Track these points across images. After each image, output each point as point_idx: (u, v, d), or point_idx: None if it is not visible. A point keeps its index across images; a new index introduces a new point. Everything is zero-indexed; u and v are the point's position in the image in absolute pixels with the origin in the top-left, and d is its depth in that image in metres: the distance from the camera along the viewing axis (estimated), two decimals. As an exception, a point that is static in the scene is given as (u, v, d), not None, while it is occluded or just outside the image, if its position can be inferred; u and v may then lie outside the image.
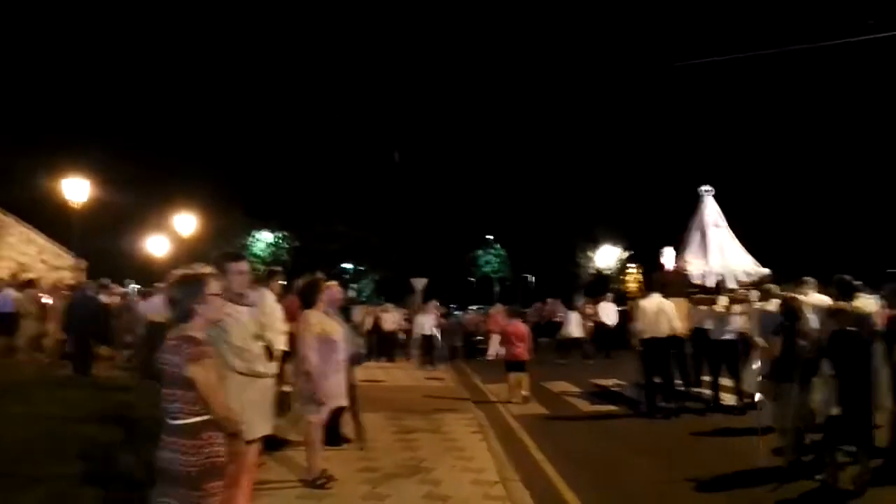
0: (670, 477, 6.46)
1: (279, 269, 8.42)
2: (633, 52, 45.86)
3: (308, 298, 5.92)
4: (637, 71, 44.16)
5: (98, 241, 28.32)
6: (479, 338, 23.24)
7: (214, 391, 3.20)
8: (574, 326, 19.69)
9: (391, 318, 20.22)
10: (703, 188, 12.70)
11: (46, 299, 15.34)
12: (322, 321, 5.79)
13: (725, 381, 10.27)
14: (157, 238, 29.27)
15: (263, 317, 8.03)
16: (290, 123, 41.30)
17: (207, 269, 3.48)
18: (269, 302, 8.22)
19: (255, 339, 4.31)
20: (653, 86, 42.88)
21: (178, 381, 3.15)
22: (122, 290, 17.86)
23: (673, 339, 10.16)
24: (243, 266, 4.44)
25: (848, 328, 5.93)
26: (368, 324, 20.52)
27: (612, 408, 10.73)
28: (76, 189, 19.62)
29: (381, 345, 20.14)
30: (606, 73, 46.50)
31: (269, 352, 4.48)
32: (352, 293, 39.84)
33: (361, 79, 48.07)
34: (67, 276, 21.63)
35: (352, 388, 7.39)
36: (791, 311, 6.76)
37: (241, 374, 4.22)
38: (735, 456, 6.96)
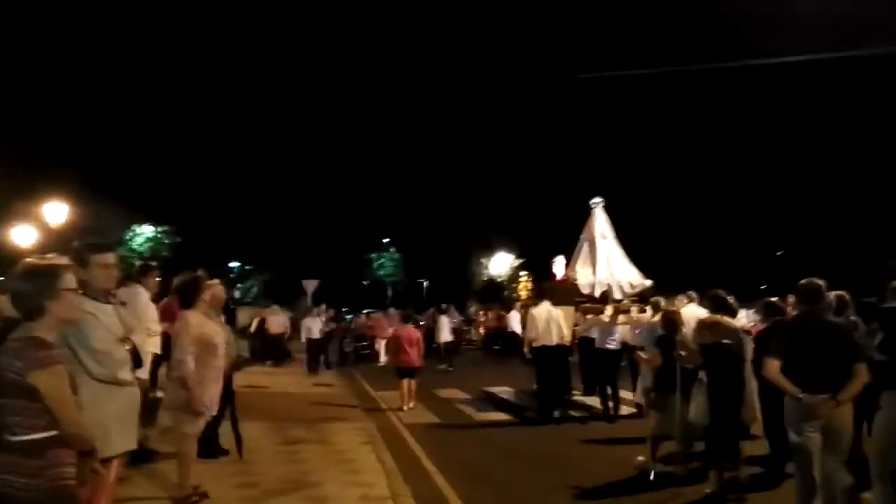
0: (562, 485, 6.38)
1: (154, 264, 7.74)
2: (531, 61, 46.87)
3: (187, 298, 5.37)
4: (534, 81, 45.22)
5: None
6: (364, 343, 22.94)
7: (63, 403, 2.70)
8: (446, 332, 19.69)
9: (277, 321, 19.45)
10: (594, 200, 12.99)
11: None
12: (202, 323, 5.26)
13: (626, 393, 10.37)
14: (23, 228, 26.89)
15: (135, 316, 7.44)
16: (177, 113, 39.10)
17: (63, 260, 2.97)
18: (143, 300, 7.56)
19: (119, 342, 3.76)
20: (550, 97, 43.94)
21: (18, 390, 2.65)
22: None
23: (561, 347, 10.29)
24: (109, 258, 3.90)
25: (722, 341, 6.00)
26: (254, 326, 19.70)
27: (502, 416, 10.71)
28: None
29: (267, 348, 19.35)
30: (504, 81, 47.28)
31: (136, 356, 3.93)
32: (237, 294, 38.37)
33: (255, 69, 46.32)
34: None
35: (231, 396, 6.88)
36: (671, 323, 6.90)
37: (100, 381, 3.66)
38: (623, 464, 6.95)
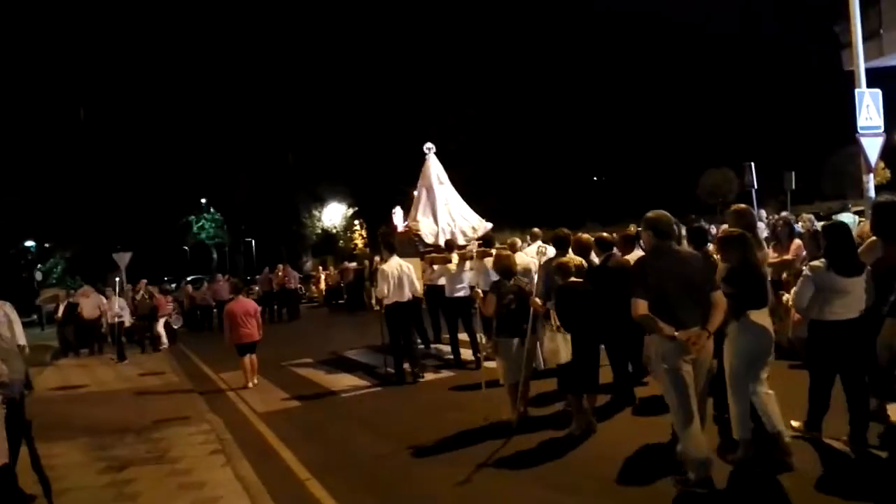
0: (448, 460, 5.64)
1: None
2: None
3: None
4: (364, 22, 42.99)
5: None
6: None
7: None
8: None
9: (90, 304, 16.76)
10: (427, 146, 12.51)
11: None
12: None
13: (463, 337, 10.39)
14: None
15: None
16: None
17: None
18: None
19: None
20: (374, 35, 42.02)
21: None
22: None
23: (413, 302, 9.90)
24: None
25: (571, 281, 6.07)
26: (61, 312, 16.95)
27: (360, 382, 9.82)
28: None
29: (81, 336, 16.77)
30: (323, 25, 44.45)
31: None
32: (39, 276, 33.54)
33: (34, 21, 39.99)
34: None
35: (26, 427, 5.21)
36: (504, 268, 6.78)
37: None
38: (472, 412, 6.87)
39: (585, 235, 7.71)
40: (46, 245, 37.96)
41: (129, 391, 10.62)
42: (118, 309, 15.33)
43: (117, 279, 16.92)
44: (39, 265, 36.63)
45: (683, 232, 7.07)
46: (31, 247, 37.63)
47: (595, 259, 7.24)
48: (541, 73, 42.81)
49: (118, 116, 40.80)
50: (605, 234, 7.66)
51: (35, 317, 26.76)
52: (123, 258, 21.00)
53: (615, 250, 7.26)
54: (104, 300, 16.60)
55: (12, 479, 5.09)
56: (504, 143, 40.00)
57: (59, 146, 35.52)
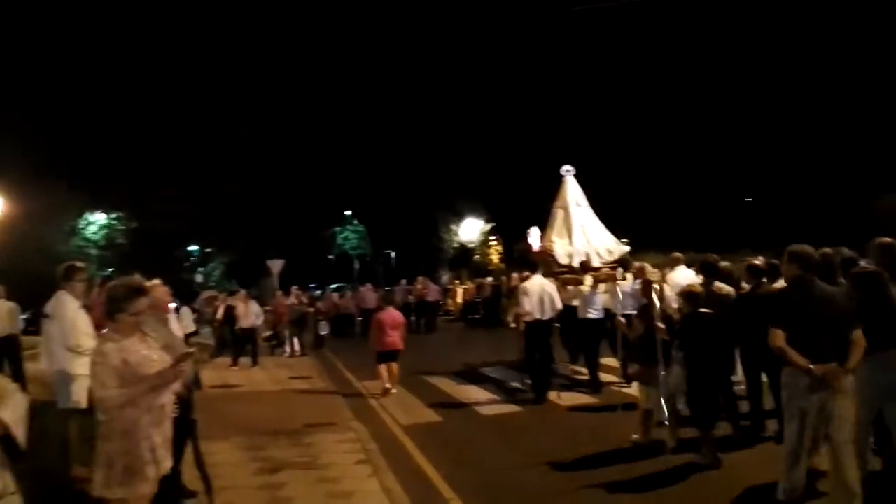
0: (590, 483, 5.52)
1: (79, 264, 6.20)
2: (498, 20, 44.84)
3: (110, 314, 3.86)
4: (504, 42, 43.36)
5: None
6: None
7: None
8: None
9: (248, 312, 17.50)
10: (565, 168, 12.69)
11: None
12: (124, 349, 3.72)
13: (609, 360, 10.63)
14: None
15: (61, 329, 5.92)
16: (124, 88, 36.57)
17: None
18: (70, 310, 6.05)
19: None
20: (518, 60, 42.18)
21: None
22: None
23: (551, 321, 10.03)
24: None
25: (700, 311, 6.03)
26: (220, 314, 18.01)
27: (497, 398, 9.95)
28: None
29: (238, 340, 17.71)
30: (471, 42, 45.25)
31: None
32: (199, 278, 36.37)
33: (201, 42, 43.71)
34: None
35: (191, 426, 5.46)
36: (647, 291, 6.87)
37: None
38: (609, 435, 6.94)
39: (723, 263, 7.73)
40: (208, 250, 41.01)
41: (279, 393, 11.09)
42: (254, 314, 15.95)
43: (271, 285, 17.82)
44: (201, 268, 39.68)
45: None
46: (195, 251, 40.80)
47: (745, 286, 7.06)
48: (687, 85, 41.02)
49: (274, 133, 43.43)
50: (756, 260, 7.33)
51: (195, 316, 28.77)
52: (276, 265, 22.18)
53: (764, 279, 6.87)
54: (256, 306, 17.38)
55: (177, 476, 5.35)
56: (647, 161, 38.68)
57: (222, 160, 38.30)
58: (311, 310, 19.16)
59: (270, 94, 44.19)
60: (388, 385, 10.49)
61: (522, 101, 40.78)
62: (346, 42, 51.63)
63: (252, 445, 7.19)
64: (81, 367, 5.71)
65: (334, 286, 36.02)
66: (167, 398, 3.90)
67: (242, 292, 19.64)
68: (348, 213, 52.49)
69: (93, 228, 37.29)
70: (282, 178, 42.76)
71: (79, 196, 34.16)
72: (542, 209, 13.63)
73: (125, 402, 3.60)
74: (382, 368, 10.55)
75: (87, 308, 6.33)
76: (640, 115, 39.59)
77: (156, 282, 5.37)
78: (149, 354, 3.85)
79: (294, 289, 18.95)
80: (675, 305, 7.01)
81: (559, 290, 10.93)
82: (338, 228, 52.47)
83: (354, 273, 50.65)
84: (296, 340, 17.13)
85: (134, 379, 3.67)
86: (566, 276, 11.36)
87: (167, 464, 3.87)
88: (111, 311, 3.87)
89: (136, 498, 3.75)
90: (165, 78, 38.23)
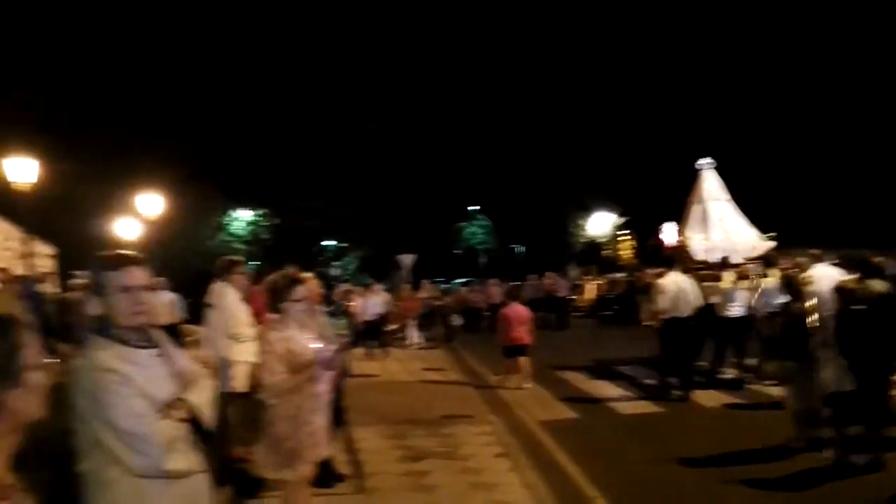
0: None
1: (240, 258, 6.62)
2: (629, 13, 43.56)
3: (272, 304, 4.11)
4: (631, 32, 42.08)
5: (68, 224, 26.23)
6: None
7: None
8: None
9: (369, 303, 18.07)
10: (703, 161, 12.44)
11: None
12: (288, 338, 3.94)
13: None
14: (126, 220, 27.02)
15: (223, 319, 6.35)
16: (263, 94, 38.84)
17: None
18: (230, 301, 6.48)
19: (164, 410, 2.34)
20: (649, 49, 40.74)
21: None
22: (80, 281, 15.57)
23: (690, 318, 9.65)
24: (134, 276, 2.40)
25: (853, 307, 5.82)
26: (356, 306, 18.69)
27: (634, 396, 9.75)
28: (22, 169, 17.47)
29: (370, 330, 18.36)
30: (598, 31, 44.24)
31: (198, 426, 2.45)
32: (336, 272, 37.97)
33: (332, 48, 45.51)
34: (41, 264, 19.78)
35: (340, 413, 5.70)
36: (792, 288, 6.65)
37: (143, 477, 2.29)
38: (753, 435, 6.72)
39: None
40: (343, 245, 42.72)
41: (414, 384, 11.37)
42: (374, 306, 16.30)
43: (400, 278, 18.31)
44: (336, 262, 41.40)
45: None
46: (331, 246, 42.62)
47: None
48: (843, 67, 37.86)
49: (401, 129, 44.43)
50: None
51: (332, 308, 30.12)
52: (407, 259, 22.78)
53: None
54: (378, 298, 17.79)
55: (329, 459, 5.59)
56: (799, 152, 36.13)
57: (356, 158, 39.70)
58: (441, 303, 19.51)
59: (400, 93, 45.29)
60: (520, 379, 10.55)
61: (657, 90, 39.33)
62: (474, 40, 51.83)
63: (394, 434, 7.40)
64: (240, 353, 6.12)
65: (461, 280, 36.47)
66: (325, 386, 4.09)
67: (377, 286, 20.37)
68: (474, 207, 52.87)
69: (239, 224, 39.91)
70: (411, 173, 43.70)
71: (226, 195, 36.73)
72: (677, 203, 13.25)
73: (290, 388, 3.81)
74: (512, 363, 10.69)
75: (246, 299, 6.78)
76: (789, 102, 37.06)
77: (308, 275, 5.63)
78: (308, 343, 4.05)
79: (425, 282, 19.33)
80: (815, 302, 6.67)
81: (697, 287, 10.65)
82: (464, 223, 53.02)
83: (481, 267, 50.97)
84: (419, 333, 17.47)
85: (297, 366, 3.88)
86: (703, 272, 11.04)
87: (325, 449, 4.06)
88: (274, 301, 4.11)
89: (297, 480, 3.97)
90: (303, 83, 40.17)
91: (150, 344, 2.43)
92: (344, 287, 23.73)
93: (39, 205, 18.58)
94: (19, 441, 1.49)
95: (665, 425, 7.99)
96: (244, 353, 6.17)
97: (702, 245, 11.62)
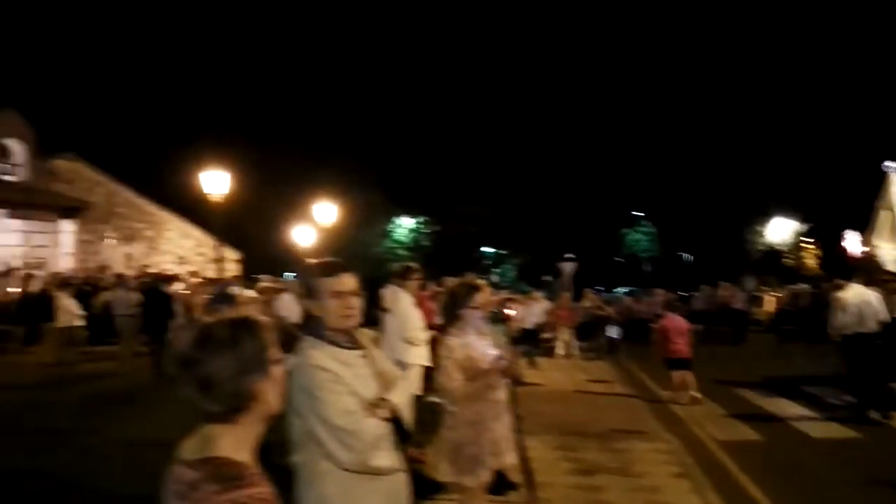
0: None
1: (415, 264, 6.82)
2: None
3: (451, 311, 4.17)
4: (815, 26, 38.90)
5: (252, 231, 28.69)
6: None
7: None
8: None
9: (536, 309, 17.99)
10: (890, 163, 11.23)
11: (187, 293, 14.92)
12: (467, 345, 3.98)
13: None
14: (302, 227, 28.96)
15: (398, 323, 6.56)
16: (425, 104, 40.19)
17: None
18: (405, 305, 6.70)
19: (370, 409, 2.48)
20: (840, 40, 37.46)
21: None
22: (266, 285, 16.76)
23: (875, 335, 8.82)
24: (346, 282, 2.55)
25: None
26: (517, 315, 18.71)
27: (819, 417, 9.02)
28: (216, 181, 19.25)
29: (527, 339, 18.27)
30: (777, 26, 41.36)
31: (401, 428, 2.55)
32: (495, 279, 38.32)
33: (492, 54, 46.04)
34: (229, 269, 21.84)
35: (514, 419, 5.67)
36: None
37: (350, 472, 2.43)
38: None
39: None
40: (502, 252, 43.06)
41: (579, 395, 11.13)
42: (533, 315, 16.06)
43: (559, 286, 17.99)
44: (496, 269, 41.80)
45: None
46: (490, 252, 43.11)
47: None
48: None
49: (564, 133, 44.00)
50: None
51: (489, 315, 30.37)
52: (568, 267, 22.40)
53: None
54: (546, 305, 17.65)
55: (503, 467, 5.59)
56: None
57: (516, 164, 39.90)
58: (604, 313, 18.98)
59: (564, 97, 44.93)
60: (693, 393, 10.07)
61: (844, 83, 36.04)
62: (634, 40, 50.27)
63: (562, 445, 7.27)
64: (415, 357, 6.31)
65: (623, 290, 35.34)
66: (503, 393, 4.09)
67: (537, 293, 20.25)
68: (639, 213, 51.06)
69: (402, 231, 41.45)
70: (574, 179, 43.17)
71: (391, 202, 38.34)
72: (867, 208, 12.12)
73: (470, 394, 3.85)
74: (678, 376, 10.27)
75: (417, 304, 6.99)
76: None
77: (482, 282, 5.68)
78: (486, 349, 4.07)
79: (587, 291, 18.93)
80: None
81: (885, 301, 9.76)
82: (627, 230, 51.36)
83: (645, 276, 49.16)
84: (578, 343, 17.08)
85: (476, 372, 3.91)
86: (893, 284, 10.14)
87: (507, 457, 4.05)
88: (452, 307, 4.17)
89: (476, 486, 3.99)
90: (464, 91, 41.07)
91: (357, 345, 2.56)
92: (502, 294, 23.91)
93: (229, 214, 20.42)
94: (264, 431, 1.59)
95: (863, 450, 7.30)
96: (418, 357, 6.36)
97: (892, 255, 10.70)
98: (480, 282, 5.63)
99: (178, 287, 15.55)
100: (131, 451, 6.19)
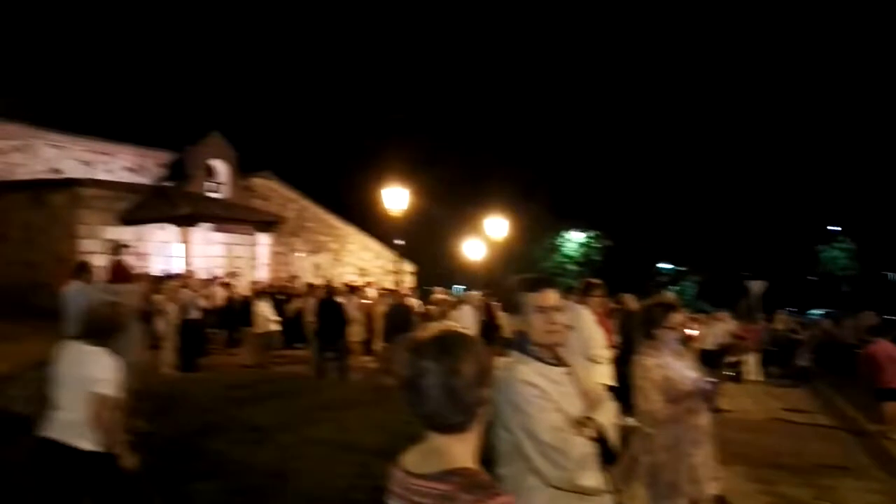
0: None
1: (596, 280, 6.64)
2: None
3: (646, 330, 3.98)
4: None
5: (425, 244, 29.78)
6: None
7: None
8: None
9: (721, 330, 16.84)
10: None
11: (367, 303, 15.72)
12: (664, 366, 3.78)
13: None
14: (473, 241, 29.50)
15: (581, 342, 6.41)
16: (597, 118, 39.53)
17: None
18: (587, 323, 6.53)
19: (577, 427, 2.43)
20: None
21: None
22: (441, 297, 17.23)
23: None
24: (550, 297, 2.52)
25: None
26: (699, 335, 17.68)
27: None
28: (396, 197, 20.11)
29: (707, 361, 17.13)
30: None
31: (607, 449, 2.47)
32: (671, 297, 36.58)
33: (674, 64, 44.32)
34: (404, 280, 22.82)
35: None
36: None
37: (557, 489, 2.37)
38: None
39: None
40: (681, 268, 41.10)
41: (775, 424, 10.29)
42: (720, 335, 14.98)
43: (748, 306, 16.78)
44: (673, 287, 39.91)
45: None
46: (668, 269, 41.29)
47: None
48: None
49: (751, 141, 41.29)
50: None
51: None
52: (756, 286, 20.87)
53: None
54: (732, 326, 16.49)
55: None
56: None
57: (694, 172, 38.02)
58: (799, 337, 17.46)
59: (753, 103, 42.27)
60: None
61: None
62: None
63: (759, 477, 6.72)
64: (599, 375, 6.12)
65: (819, 312, 32.31)
66: (704, 418, 3.84)
67: (723, 314, 19.01)
68: (836, 228, 46.54)
69: (571, 246, 40.87)
70: (760, 190, 40.37)
71: (558, 216, 37.95)
72: None
73: (668, 417, 3.66)
74: (890, 408, 9.10)
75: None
76: None
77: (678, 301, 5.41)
78: (685, 371, 3.84)
79: (779, 313, 17.52)
80: None
81: None
82: (823, 246, 46.95)
83: (843, 297, 44.68)
84: (766, 368, 15.80)
85: (675, 395, 3.70)
86: None
87: (707, 486, 3.79)
88: (647, 327, 3.99)
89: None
90: (629, 101, 39.87)
91: (561, 362, 2.51)
92: (681, 313, 22.58)
93: (406, 228, 21.30)
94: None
95: None
96: (601, 376, 6.17)
97: None
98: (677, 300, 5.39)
99: (359, 297, 16.40)
100: (324, 451, 6.55)
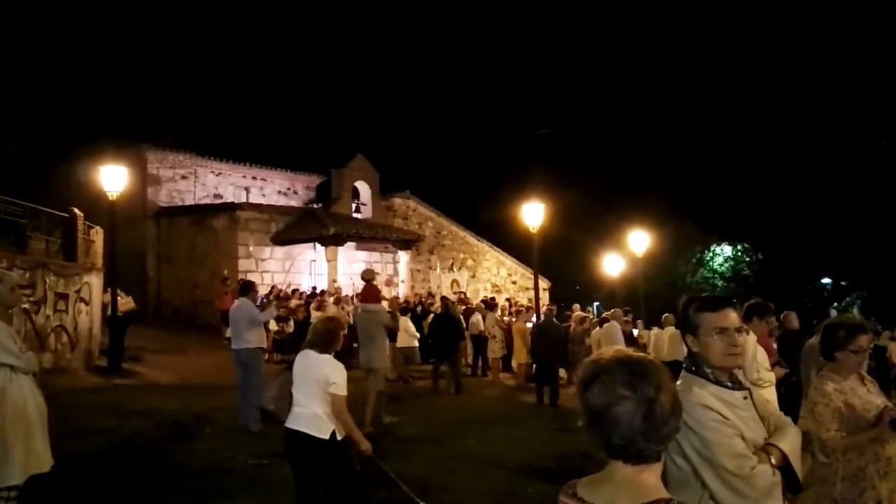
0: None
1: (771, 304, 6.14)
2: None
3: (827, 352, 3.65)
4: None
5: (560, 261, 29.42)
6: None
7: None
8: None
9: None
10: None
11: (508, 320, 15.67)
12: (845, 391, 3.44)
13: None
14: (613, 257, 28.71)
15: (745, 364, 6.01)
16: (739, 131, 37.43)
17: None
18: (750, 343, 6.10)
19: (760, 453, 2.24)
20: None
21: None
22: (582, 314, 16.78)
23: None
24: (728, 318, 2.38)
25: None
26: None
27: None
28: (534, 213, 19.98)
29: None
30: None
31: (792, 478, 2.25)
32: (833, 314, 33.59)
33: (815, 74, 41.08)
34: (542, 298, 22.63)
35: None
36: None
37: None
38: None
39: None
40: (842, 283, 37.79)
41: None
42: None
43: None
44: (836, 303, 36.76)
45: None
46: (828, 283, 38.15)
47: None
48: None
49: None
50: None
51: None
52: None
53: None
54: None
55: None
56: None
57: (856, 177, 34.83)
58: None
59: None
60: None
61: None
62: None
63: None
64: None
65: None
66: (893, 448, 3.45)
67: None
68: None
69: (718, 260, 38.75)
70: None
71: (704, 230, 36.07)
72: None
73: (847, 446, 3.33)
74: None
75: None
76: None
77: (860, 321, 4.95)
78: (871, 398, 3.48)
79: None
80: None
81: None
82: None
83: None
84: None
85: (857, 422, 3.36)
86: None
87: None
88: (829, 349, 3.67)
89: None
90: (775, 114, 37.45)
91: (740, 386, 2.34)
92: (868, 336, 20.76)
93: (541, 244, 21.07)
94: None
95: None
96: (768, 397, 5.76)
97: None
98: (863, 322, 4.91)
99: (498, 314, 16.42)
100: (469, 466, 6.55)
